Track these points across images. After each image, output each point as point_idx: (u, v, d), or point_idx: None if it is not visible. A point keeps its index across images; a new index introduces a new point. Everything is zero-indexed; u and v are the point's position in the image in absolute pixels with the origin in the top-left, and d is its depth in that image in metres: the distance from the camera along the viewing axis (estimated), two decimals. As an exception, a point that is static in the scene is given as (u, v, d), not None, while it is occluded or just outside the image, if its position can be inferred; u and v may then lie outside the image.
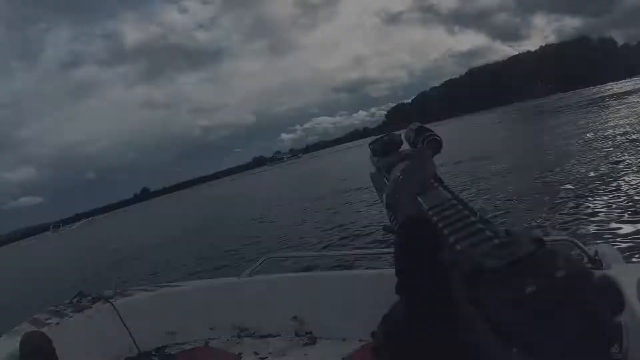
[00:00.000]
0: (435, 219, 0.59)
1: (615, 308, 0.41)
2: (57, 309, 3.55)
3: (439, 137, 1.00)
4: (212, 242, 18.52)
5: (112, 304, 3.57)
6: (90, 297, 3.74)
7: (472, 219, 0.56)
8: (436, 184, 0.74)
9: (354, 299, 3.08)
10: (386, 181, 0.92)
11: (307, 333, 3.40)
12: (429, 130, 1.02)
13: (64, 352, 2.95)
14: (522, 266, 0.43)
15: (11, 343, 2.76)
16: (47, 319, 3.29)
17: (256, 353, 3.29)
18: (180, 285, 3.98)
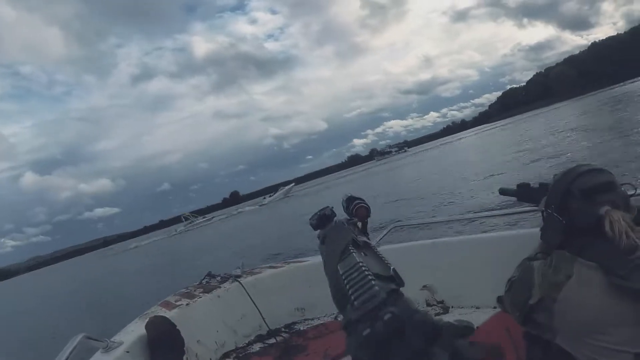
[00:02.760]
0: (345, 282, 0.78)
1: (430, 339, 0.63)
2: (188, 291, 3.66)
3: (366, 204, 1.31)
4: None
5: (240, 283, 3.60)
6: (219, 277, 3.81)
7: (370, 279, 0.77)
8: (352, 249, 0.93)
9: (486, 264, 2.77)
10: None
11: (438, 302, 3.18)
12: (358, 198, 1.33)
13: (193, 332, 3.00)
14: (370, 314, 0.67)
15: (142, 326, 2.83)
16: (177, 301, 3.39)
17: None
18: (307, 261, 3.92)
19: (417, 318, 0.64)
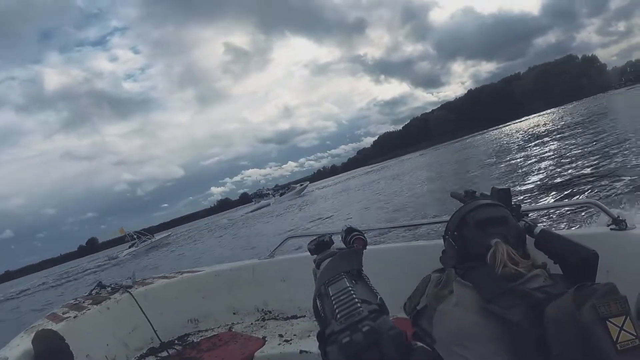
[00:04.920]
0: (334, 302, 0.89)
1: (402, 353, 0.73)
2: (76, 302, 3.48)
3: (363, 236, 1.39)
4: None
5: (131, 294, 3.48)
6: (109, 288, 3.67)
7: (356, 300, 0.86)
8: (343, 275, 1.03)
9: (380, 273, 2.93)
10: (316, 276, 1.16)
11: None
12: (356, 230, 1.41)
13: (82, 346, 2.86)
14: (351, 326, 0.76)
15: (28, 341, 2.67)
16: (65, 313, 3.21)
17: (281, 335, 3.19)
18: (200, 271, 3.89)
19: (392, 333, 0.71)
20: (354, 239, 1.42)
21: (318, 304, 1.06)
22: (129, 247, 54.50)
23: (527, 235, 1.55)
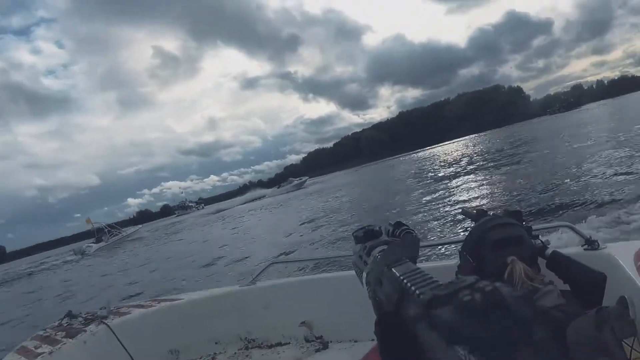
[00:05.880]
0: (405, 281, 0.82)
1: (533, 313, 0.66)
2: (47, 334, 3.22)
3: (413, 230, 1.33)
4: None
5: (108, 325, 3.31)
6: (81, 318, 3.46)
7: (430, 277, 0.81)
8: (407, 260, 0.95)
9: (363, 299, 2.95)
10: (365, 263, 1.12)
11: (317, 338, 3.26)
12: (405, 225, 1.34)
13: None
14: (463, 289, 0.69)
15: None
16: (37, 347, 2.96)
17: None
18: (179, 299, 3.73)
19: (517, 294, 0.72)
20: (404, 233, 1.37)
21: (368, 290, 1.04)
22: (97, 242, 50.73)
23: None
